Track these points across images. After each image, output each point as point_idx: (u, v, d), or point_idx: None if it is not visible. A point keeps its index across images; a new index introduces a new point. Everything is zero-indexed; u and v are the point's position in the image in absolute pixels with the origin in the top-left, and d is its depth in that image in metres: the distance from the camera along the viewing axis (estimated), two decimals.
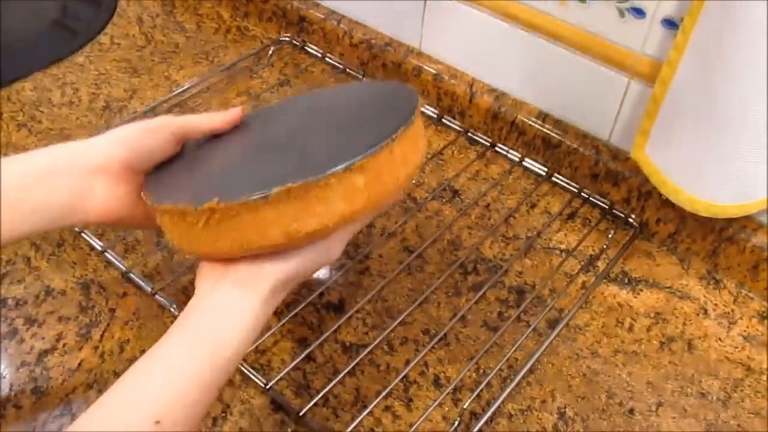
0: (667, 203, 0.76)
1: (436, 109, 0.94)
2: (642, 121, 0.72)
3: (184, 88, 0.94)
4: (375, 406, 0.64)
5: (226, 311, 0.53)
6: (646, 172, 0.74)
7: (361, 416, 0.63)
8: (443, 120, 0.93)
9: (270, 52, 1.01)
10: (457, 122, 0.92)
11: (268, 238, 0.52)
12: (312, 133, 0.61)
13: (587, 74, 0.79)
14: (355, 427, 0.62)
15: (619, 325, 0.73)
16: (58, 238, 0.76)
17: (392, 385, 0.66)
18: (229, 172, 0.58)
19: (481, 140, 0.90)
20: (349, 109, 0.64)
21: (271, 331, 0.69)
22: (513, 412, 0.65)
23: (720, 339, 0.72)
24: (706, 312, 0.74)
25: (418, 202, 0.83)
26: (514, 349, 0.68)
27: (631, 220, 0.81)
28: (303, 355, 0.67)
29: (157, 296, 0.71)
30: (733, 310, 0.75)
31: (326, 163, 0.51)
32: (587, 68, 0.79)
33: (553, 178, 0.86)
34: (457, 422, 0.63)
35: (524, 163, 0.87)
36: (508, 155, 0.88)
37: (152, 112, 0.91)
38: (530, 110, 0.86)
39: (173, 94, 0.93)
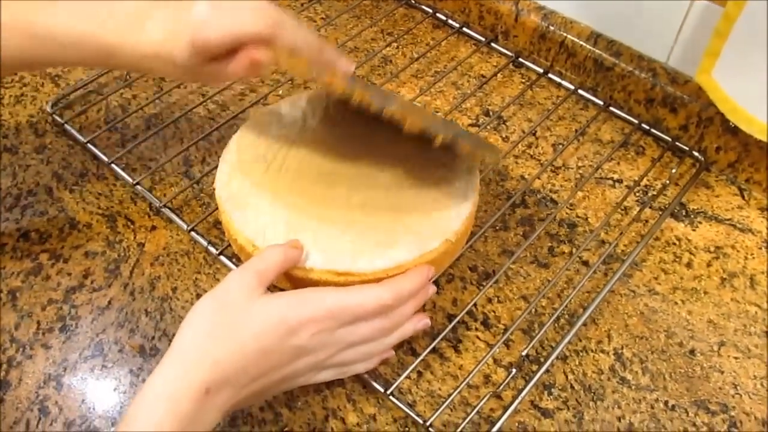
0: (729, 130, 0.71)
1: (479, 28, 0.88)
2: (710, 41, 0.66)
3: None
4: (421, 347, 0.61)
5: None
6: (712, 97, 0.68)
7: (414, 363, 0.59)
8: (491, 44, 0.87)
9: None
10: (502, 46, 0.86)
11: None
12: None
13: None
14: (405, 372, 0.59)
15: (677, 260, 0.69)
16: (81, 167, 0.72)
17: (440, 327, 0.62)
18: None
19: (530, 66, 0.85)
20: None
21: None
22: (567, 353, 0.62)
23: None
24: None
25: None
26: (575, 292, 0.64)
27: (696, 154, 0.76)
28: None
29: (192, 233, 0.67)
30: None
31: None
32: None
33: (611, 109, 0.80)
34: (515, 370, 0.60)
35: (579, 92, 0.81)
36: (562, 83, 0.83)
37: None
38: (581, 30, 0.80)
39: None
